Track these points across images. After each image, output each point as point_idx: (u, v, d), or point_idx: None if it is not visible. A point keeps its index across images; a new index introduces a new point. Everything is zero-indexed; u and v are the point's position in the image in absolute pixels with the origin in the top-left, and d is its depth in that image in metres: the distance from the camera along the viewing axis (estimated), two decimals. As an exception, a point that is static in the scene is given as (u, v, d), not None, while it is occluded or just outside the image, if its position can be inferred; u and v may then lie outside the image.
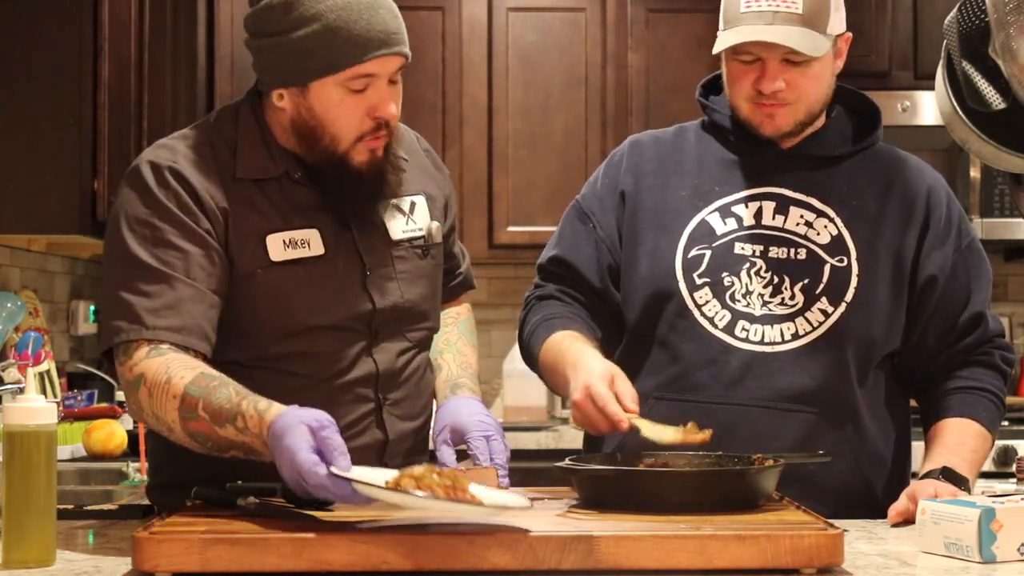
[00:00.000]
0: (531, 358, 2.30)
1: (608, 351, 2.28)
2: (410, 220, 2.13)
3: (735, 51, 2.16)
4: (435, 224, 2.16)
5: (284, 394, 1.90)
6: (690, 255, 2.20)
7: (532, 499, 1.81)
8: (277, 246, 2.00)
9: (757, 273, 2.18)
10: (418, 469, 1.67)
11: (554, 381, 2.22)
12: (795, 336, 2.16)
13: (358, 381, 2.05)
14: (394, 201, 2.11)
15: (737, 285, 2.18)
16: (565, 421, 4.47)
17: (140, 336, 1.90)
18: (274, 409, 1.80)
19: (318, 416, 1.75)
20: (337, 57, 1.95)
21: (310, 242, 2.02)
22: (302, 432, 1.73)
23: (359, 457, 1.92)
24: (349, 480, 1.65)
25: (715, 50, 2.17)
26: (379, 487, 1.63)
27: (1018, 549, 1.70)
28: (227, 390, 1.84)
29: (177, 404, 1.84)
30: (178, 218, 1.95)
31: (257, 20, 1.99)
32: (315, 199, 2.05)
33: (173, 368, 1.87)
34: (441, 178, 2.25)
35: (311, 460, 1.69)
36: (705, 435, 1.97)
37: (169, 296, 1.92)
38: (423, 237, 2.14)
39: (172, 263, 1.93)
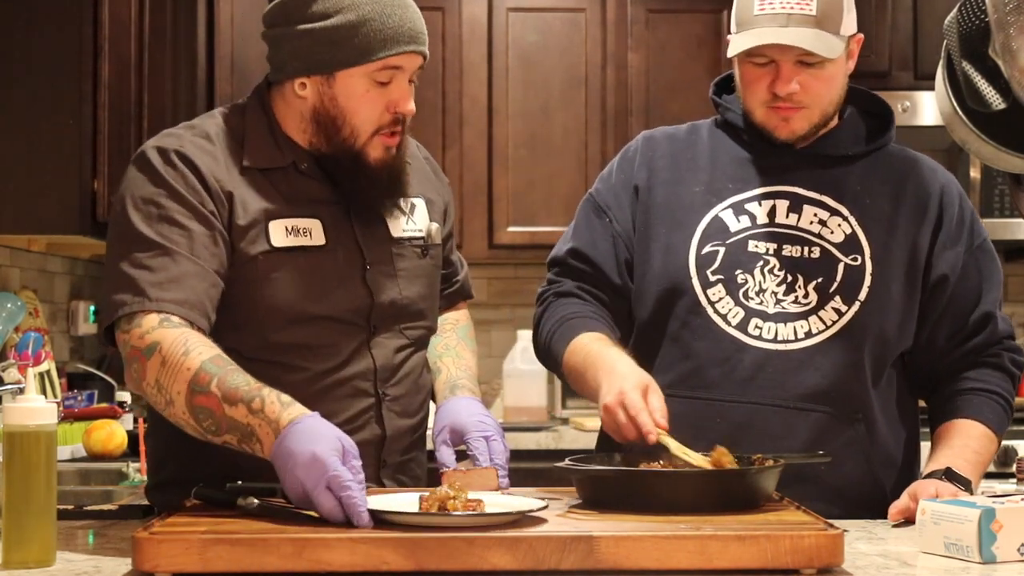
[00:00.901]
0: (551, 358, 2.28)
1: (627, 349, 2.27)
2: (410, 220, 2.15)
3: (749, 54, 2.15)
4: (434, 225, 2.19)
5: (283, 388, 1.91)
6: (703, 251, 2.20)
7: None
8: (279, 232, 2.02)
9: (771, 271, 2.18)
10: (442, 491, 1.72)
11: (581, 383, 2.18)
12: (808, 334, 2.15)
13: (357, 376, 2.06)
14: (396, 201, 2.13)
15: (751, 283, 2.18)
16: (565, 421, 4.47)
17: (143, 307, 1.90)
18: (298, 407, 1.81)
19: (350, 441, 1.77)
20: (371, 47, 1.99)
21: (312, 231, 2.04)
22: (336, 445, 1.74)
23: (361, 451, 1.94)
24: (381, 512, 1.68)
25: (730, 53, 2.16)
26: (415, 513, 1.68)
27: (1018, 549, 1.70)
28: (244, 376, 1.85)
29: (190, 376, 1.84)
30: (183, 197, 1.97)
31: (283, 8, 2.02)
32: (320, 191, 2.07)
33: (192, 343, 1.88)
34: (441, 185, 2.28)
35: (347, 475, 1.70)
36: (732, 461, 1.93)
37: (173, 271, 1.93)
38: (423, 238, 2.16)
39: (176, 240, 1.95)
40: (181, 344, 1.87)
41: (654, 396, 2.00)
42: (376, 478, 2.08)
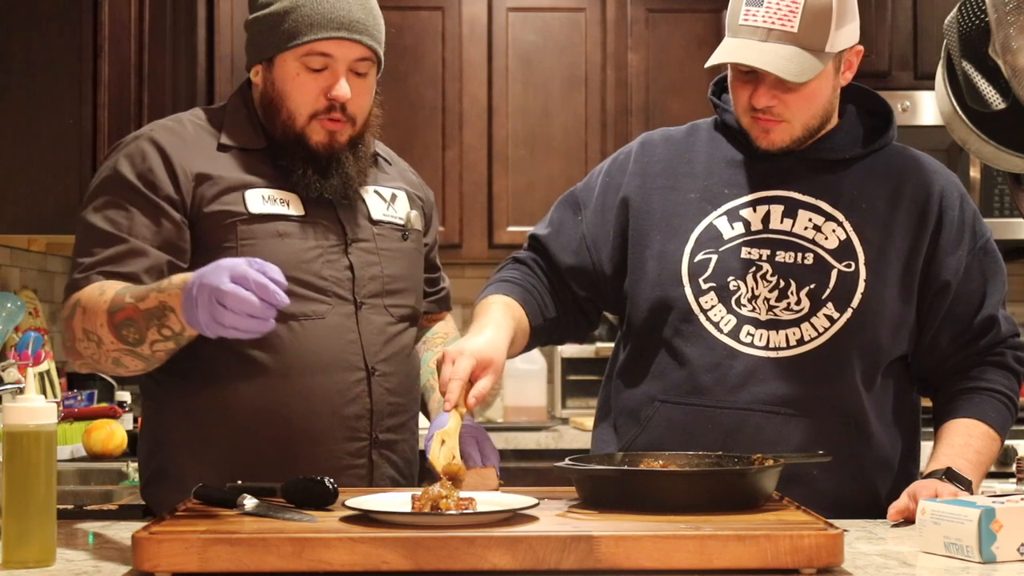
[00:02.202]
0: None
1: (554, 332, 2.32)
2: (391, 207, 2.23)
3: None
4: (414, 213, 2.27)
5: (275, 359, 2.02)
6: (696, 259, 2.19)
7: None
8: (256, 200, 2.09)
9: (763, 277, 2.17)
10: (434, 490, 1.73)
11: None
12: (800, 342, 2.15)
13: (346, 348, 2.10)
14: (376, 189, 2.22)
15: (743, 289, 2.17)
16: (565, 421, 4.47)
17: (75, 283, 2.01)
18: None
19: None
20: (296, 32, 2.07)
21: (290, 203, 2.12)
22: (238, 259, 1.79)
23: (349, 425, 2.05)
24: (374, 512, 1.68)
25: (706, 64, 2.15)
26: (408, 513, 1.68)
27: (1018, 549, 1.70)
28: (154, 283, 1.93)
29: (107, 306, 1.92)
30: (131, 183, 2.06)
31: (249, 2, 2.15)
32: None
33: (107, 286, 1.97)
34: (424, 193, 2.35)
35: (252, 271, 1.74)
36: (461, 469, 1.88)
37: (110, 252, 2.02)
38: (403, 225, 2.23)
39: (119, 223, 2.04)
40: (97, 290, 1.96)
41: (485, 376, 1.97)
42: (367, 454, 2.12)
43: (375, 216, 2.19)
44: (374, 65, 2.14)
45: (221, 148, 2.12)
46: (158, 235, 2.04)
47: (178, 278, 1.87)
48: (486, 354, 1.99)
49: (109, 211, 2.05)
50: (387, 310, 2.17)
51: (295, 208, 2.11)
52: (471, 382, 1.95)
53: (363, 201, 2.19)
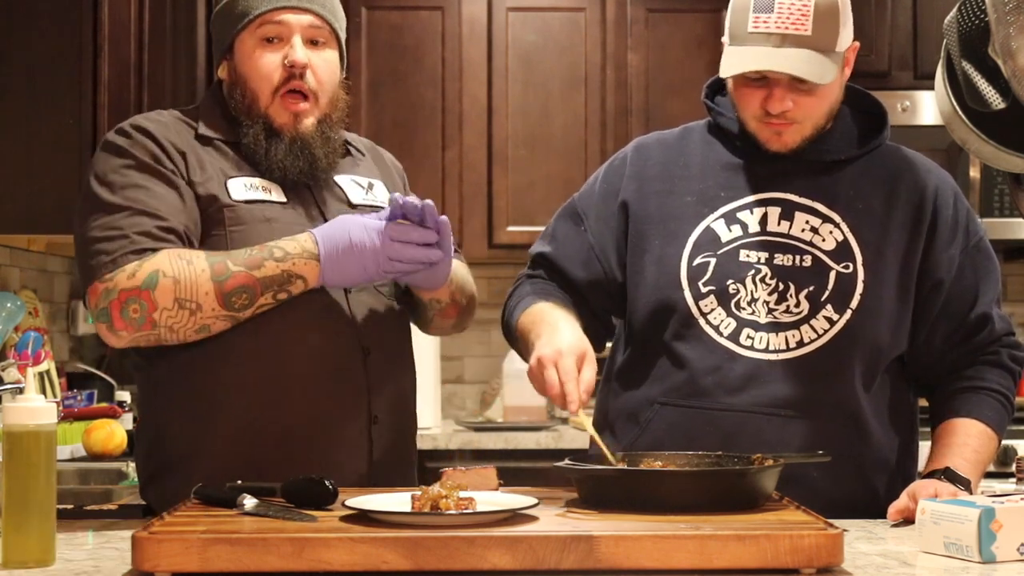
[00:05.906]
0: (509, 326, 2.30)
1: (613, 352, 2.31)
2: (369, 193, 2.26)
3: None
4: (396, 195, 2.27)
5: (272, 341, 2.04)
6: (695, 263, 2.19)
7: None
8: (239, 188, 2.12)
9: (762, 280, 2.17)
10: (434, 490, 1.73)
11: (524, 343, 2.20)
12: (800, 344, 2.15)
13: (340, 328, 2.12)
14: (353, 178, 2.25)
15: (742, 292, 2.17)
16: (565, 421, 4.47)
17: (123, 250, 1.99)
18: (304, 233, 2.05)
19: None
20: (248, 10, 2.14)
21: (272, 190, 2.14)
22: (357, 217, 2.04)
23: (348, 405, 2.09)
24: (373, 512, 1.69)
25: (722, 73, 2.14)
26: (408, 513, 1.68)
27: (1018, 549, 1.70)
28: (243, 248, 2.01)
29: (209, 274, 1.97)
30: (143, 162, 2.07)
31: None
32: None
33: (183, 254, 2.00)
34: (398, 169, 2.40)
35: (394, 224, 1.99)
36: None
37: (140, 226, 2.02)
38: (383, 208, 2.24)
39: (140, 199, 2.04)
40: (176, 259, 1.98)
41: (588, 368, 2.01)
42: (367, 432, 2.13)
43: (354, 201, 2.22)
44: (332, 39, 2.19)
45: (199, 139, 2.15)
46: (182, 211, 2.06)
47: (290, 246, 2.00)
48: (579, 345, 2.02)
49: (127, 191, 2.04)
50: (376, 290, 2.20)
51: (276, 195, 2.14)
52: None
53: (340, 188, 2.23)
